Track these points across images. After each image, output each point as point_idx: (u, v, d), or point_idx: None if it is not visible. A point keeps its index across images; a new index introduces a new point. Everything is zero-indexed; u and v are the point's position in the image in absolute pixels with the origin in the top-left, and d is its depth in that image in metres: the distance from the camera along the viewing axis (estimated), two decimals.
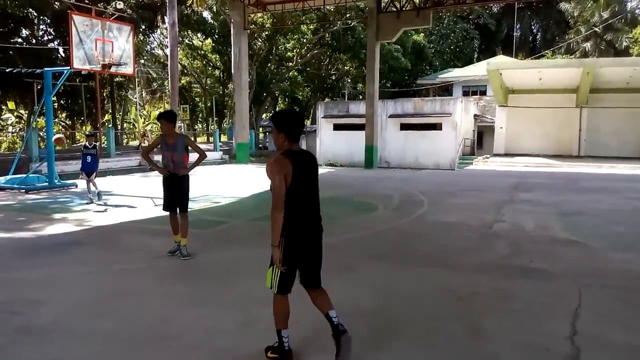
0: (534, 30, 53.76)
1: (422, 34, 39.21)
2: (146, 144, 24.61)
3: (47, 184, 13.65)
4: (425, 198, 11.87)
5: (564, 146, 25.36)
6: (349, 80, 40.30)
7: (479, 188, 14.07)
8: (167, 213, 6.44)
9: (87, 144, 11.20)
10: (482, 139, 28.37)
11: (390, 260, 6.31)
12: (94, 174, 11.19)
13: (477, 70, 33.22)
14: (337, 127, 24.54)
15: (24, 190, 13.02)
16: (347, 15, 27.49)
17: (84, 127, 35.49)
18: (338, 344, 3.36)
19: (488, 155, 25.12)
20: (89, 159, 10.93)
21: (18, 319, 4.30)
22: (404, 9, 21.17)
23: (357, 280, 5.47)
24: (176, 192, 6.33)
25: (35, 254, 6.61)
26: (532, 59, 37.49)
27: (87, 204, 10.84)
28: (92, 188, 11.23)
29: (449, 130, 22.29)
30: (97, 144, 12.12)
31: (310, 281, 3.63)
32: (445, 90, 37.27)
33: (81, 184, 14.55)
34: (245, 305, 4.64)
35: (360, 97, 36.73)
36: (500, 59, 34.94)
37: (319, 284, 3.66)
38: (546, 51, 42.00)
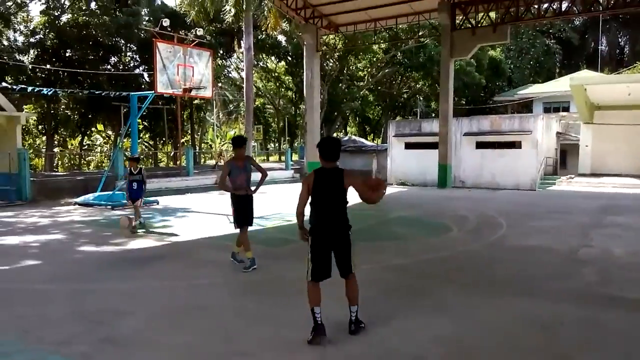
0: (621, 43, 50.58)
1: (499, 49, 38.07)
2: (222, 162, 25.53)
3: None
4: (504, 220, 11.32)
5: None
6: (422, 98, 39.79)
7: (563, 210, 13.25)
8: (237, 230, 6.72)
9: (131, 169, 10.01)
10: (565, 158, 26.82)
11: (467, 286, 6.03)
12: (140, 200, 10.04)
13: (559, 85, 31.63)
14: (408, 146, 24.20)
15: (110, 207, 13.87)
16: (420, 33, 27.27)
17: (165, 147, 37.52)
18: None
19: (572, 175, 23.68)
20: (134, 185, 9.87)
21: (104, 329, 4.52)
22: (479, 25, 20.66)
23: (431, 306, 5.27)
24: (250, 209, 6.69)
25: (120, 267, 6.97)
26: (619, 72, 35.20)
27: (138, 229, 9.84)
28: (140, 212, 10.10)
29: (529, 148, 21.29)
30: (143, 167, 10.78)
31: (341, 270, 4.42)
32: (525, 107, 35.78)
33: (162, 201, 15.31)
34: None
35: (433, 115, 36.09)
36: (585, 74, 33.07)
37: (349, 272, 4.43)
38: (636, 63, 39.28)
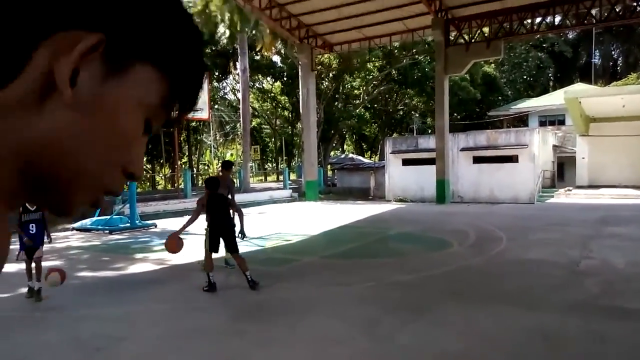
0: (614, 55, 51.14)
1: (492, 65, 38.46)
2: None
3: (129, 224, 14.40)
4: (504, 234, 11.29)
5: None
6: (417, 115, 40.02)
7: (562, 222, 13.23)
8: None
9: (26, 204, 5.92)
10: (562, 170, 26.90)
11: (470, 299, 5.98)
12: (40, 249, 6.86)
13: (553, 99, 31.88)
14: (406, 162, 24.25)
15: (108, 231, 13.80)
16: (414, 50, 27.53)
17: (163, 170, 37.53)
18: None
19: (570, 188, 23.72)
20: (32, 228, 6.71)
21: (101, 355, 4.45)
22: (473, 40, 20.89)
23: (435, 320, 5.22)
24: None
25: (118, 292, 6.90)
26: (614, 85, 35.51)
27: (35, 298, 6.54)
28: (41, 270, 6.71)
29: (526, 162, 21.34)
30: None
31: (230, 249, 6.85)
32: (520, 121, 36.00)
33: (159, 223, 15.25)
34: (318, 345, 4.53)
35: (429, 131, 36.27)
36: (579, 87, 33.35)
37: (236, 251, 6.82)
38: (629, 75, 39.65)
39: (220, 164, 8.15)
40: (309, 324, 5.20)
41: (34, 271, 6.68)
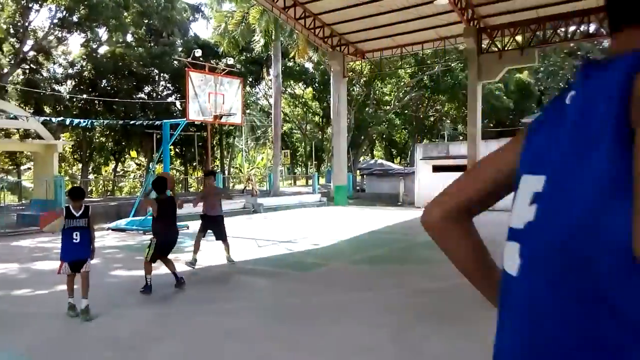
0: None
1: (526, 72, 37.81)
2: (250, 187, 25.82)
3: None
4: None
5: None
6: (449, 121, 39.63)
7: None
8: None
9: (70, 208, 5.84)
10: None
11: None
12: (87, 264, 5.87)
13: None
14: (436, 169, 24.04)
15: (142, 232, 14.15)
16: (446, 57, 27.33)
17: (195, 172, 38.20)
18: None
19: None
20: (76, 236, 5.77)
21: (135, 354, 4.60)
22: (506, 48, 20.62)
23: (466, 329, 5.18)
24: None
25: (152, 291, 7.09)
26: None
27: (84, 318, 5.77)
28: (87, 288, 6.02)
29: None
30: (90, 206, 6.09)
31: (166, 254, 7.05)
32: None
33: (191, 225, 15.54)
34: (346, 351, 4.58)
35: (461, 137, 35.85)
36: None
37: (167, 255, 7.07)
38: None
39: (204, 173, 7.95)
40: (337, 329, 5.25)
41: (76, 285, 5.79)
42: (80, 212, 5.85)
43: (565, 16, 19.24)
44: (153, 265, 6.93)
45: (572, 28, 20.30)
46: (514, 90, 35.69)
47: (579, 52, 42.50)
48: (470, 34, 20.35)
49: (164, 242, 6.94)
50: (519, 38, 21.31)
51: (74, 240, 5.78)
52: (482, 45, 20.89)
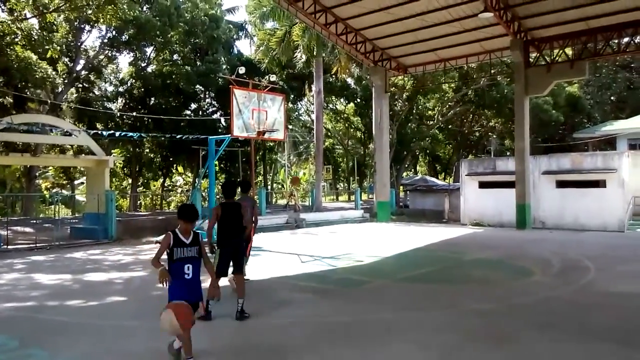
0: None
1: (576, 85, 36.59)
2: (293, 202, 25.92)
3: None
4: (591, 263, 10.54)
5: None
6: (495, 136, 38.73)
7: None
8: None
9: (178, 234, 4.72)
10: None
11: (557, 332, 5.61)
12: (202, 306, 5.35)
13: None
14: (482, 185, 23.44)
15: None
16: (492, 71, 26.82)
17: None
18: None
19: None
20: (188, 270, 4.71)
21: None
22: (555, 61, 20.04)
23: (520, 352, 4.95)
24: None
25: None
26: None
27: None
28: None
29: (614, 187, 19.94)
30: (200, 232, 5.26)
31: (236, 269, 6.51)
32: (608, 144, 33.80)
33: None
34: None
35: (507, 153, 34.92)
36: None
37: (240, 271, 6.56)
38: None
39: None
40: (385, 348, 5.11)
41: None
42: (191, 238, 4.59)
43: (617, 27, 18.59)
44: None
45: (625, 40, 19.57)
46: (564, 104, 34.56)
47: (632, 65, 40.86)
48: (517, 46, 19.92)
49: (228, 251, 6.46)
50: (568, 50, 20.69)
51: (186, 277, 4.52)
52: (530, 59, 20.38)
